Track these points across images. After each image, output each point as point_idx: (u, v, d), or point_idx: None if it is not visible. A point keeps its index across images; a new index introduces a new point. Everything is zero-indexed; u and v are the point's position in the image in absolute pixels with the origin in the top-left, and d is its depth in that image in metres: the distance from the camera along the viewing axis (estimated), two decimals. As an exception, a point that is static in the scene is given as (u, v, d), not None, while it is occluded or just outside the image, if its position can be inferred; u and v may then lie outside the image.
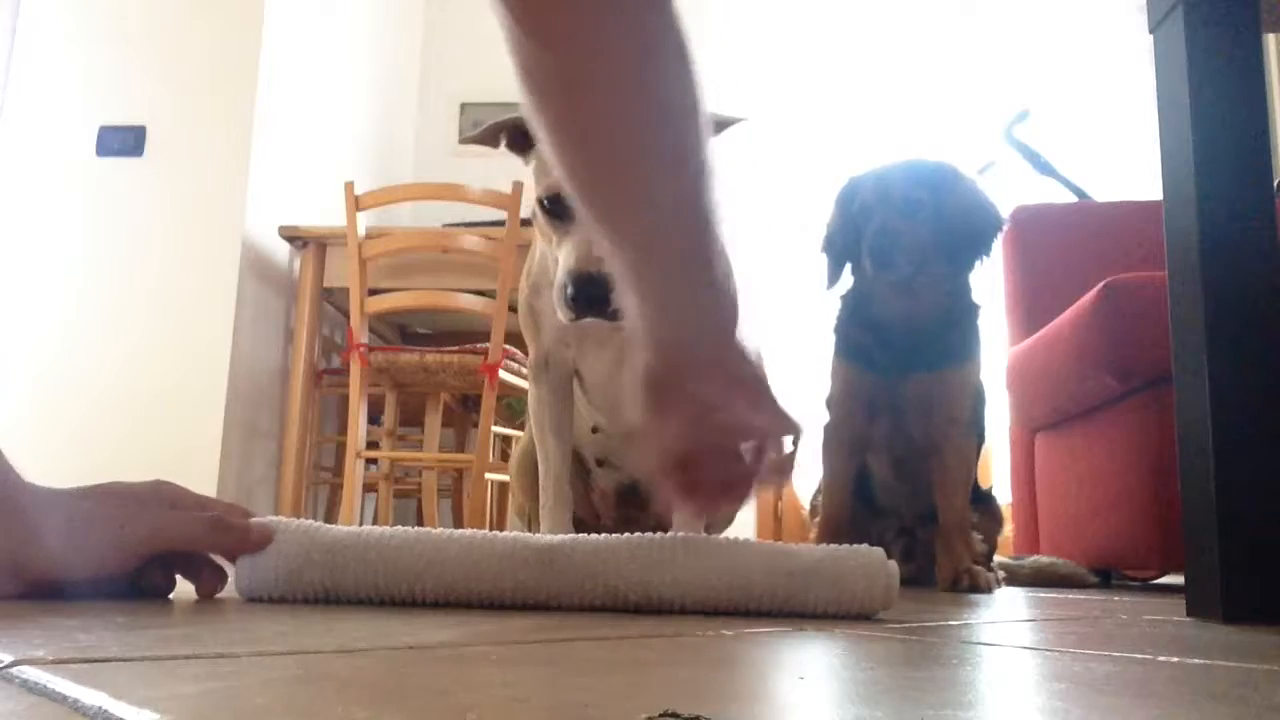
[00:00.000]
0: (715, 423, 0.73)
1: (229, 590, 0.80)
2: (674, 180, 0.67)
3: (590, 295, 1.24)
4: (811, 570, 0.79)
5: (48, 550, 0.66)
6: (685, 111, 0.67)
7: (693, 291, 0.70)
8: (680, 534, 0.81)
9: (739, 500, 0.81)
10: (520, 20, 0.63)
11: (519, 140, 1.40)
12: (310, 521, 0.80)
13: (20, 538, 0.66)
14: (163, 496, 0.74)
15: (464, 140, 1.44)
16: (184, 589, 0.78)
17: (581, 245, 1.26)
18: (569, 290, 1.25)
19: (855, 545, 0.83)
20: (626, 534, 0.81)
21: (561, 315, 1.29)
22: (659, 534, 0.81)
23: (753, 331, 0.73)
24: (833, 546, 0.83)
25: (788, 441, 0.78)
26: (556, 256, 1.32)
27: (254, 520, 0.73)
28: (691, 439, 0.72)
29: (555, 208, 1.31)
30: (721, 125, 1.33)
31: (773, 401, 0.74)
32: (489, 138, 1.41)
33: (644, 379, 0.72)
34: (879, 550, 0.81)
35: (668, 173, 0.67)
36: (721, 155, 0.70)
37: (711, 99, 0.70)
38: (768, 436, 0.75)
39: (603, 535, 0.81)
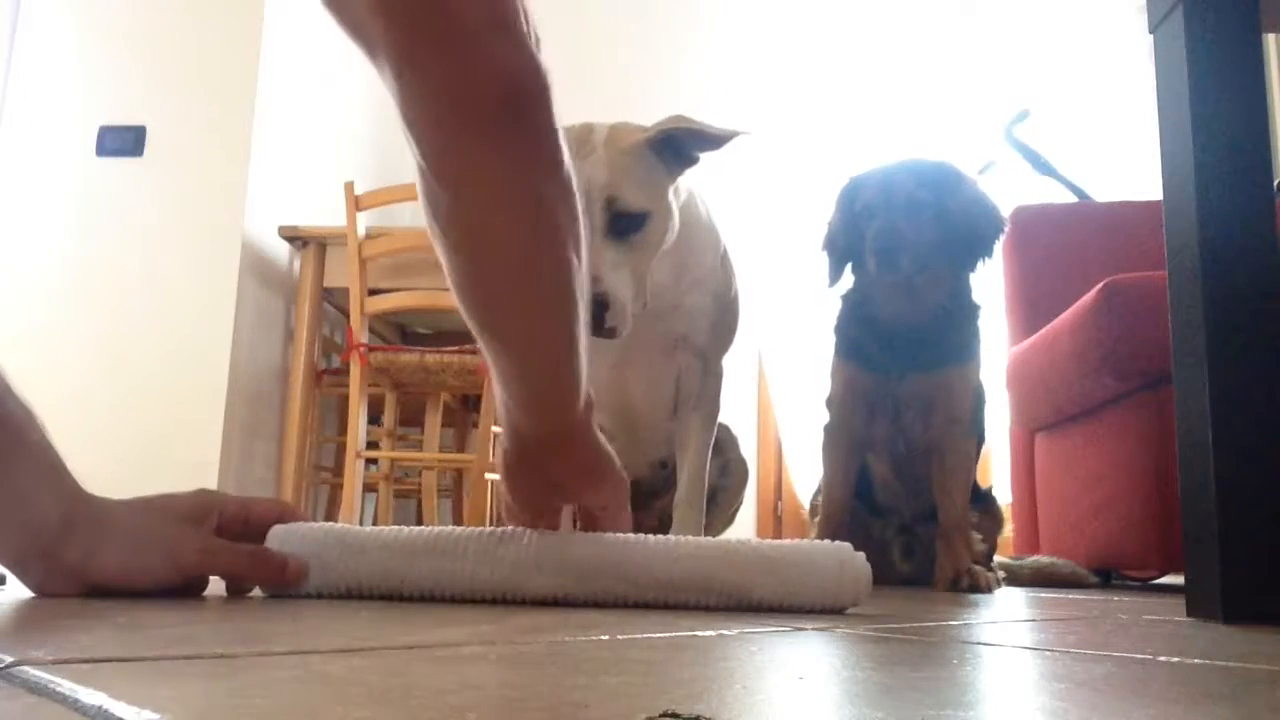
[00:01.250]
0: (561, 497, 0.90)
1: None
2: (547, 313, 0.78)
3: (602, 316, 1.25)
4: (779, 565, 0.80)
5: (108, 562, 0.72)
6: (559, 251, 0.76)
7: (552, 390, 0.81)
8: (646, 535, 0.83)
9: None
10: (428, 161, 0.72)
11: None
12: (334, 524, 0.82)
13: (86, 549, 0.72)
14: (209, 508, 0.79)
15: None
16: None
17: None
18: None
19: (826, 540, 0.85)
20: (600, 534, 0.82)
21: None
22: (626, 534, 0.82)
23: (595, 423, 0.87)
24: (801, 541, 0.85)
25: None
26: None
27: (291, 559, 0.79)
28: (540, 508, 0.87)
29: None
30: (722, 139, 1.33)
31: (610, 479, 0.88)
32: None
33: (504, 463, 0.85)
34: (847, 545, 0.82)
35: (538, 300, 0.77)
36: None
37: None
38: (606, 505, 0.89)
39: (580, 535, 0.83)
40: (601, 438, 0.87)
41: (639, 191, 1.30)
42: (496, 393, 0.83)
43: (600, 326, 1.25)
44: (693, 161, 1.37)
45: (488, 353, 0.81)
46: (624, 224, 1.30)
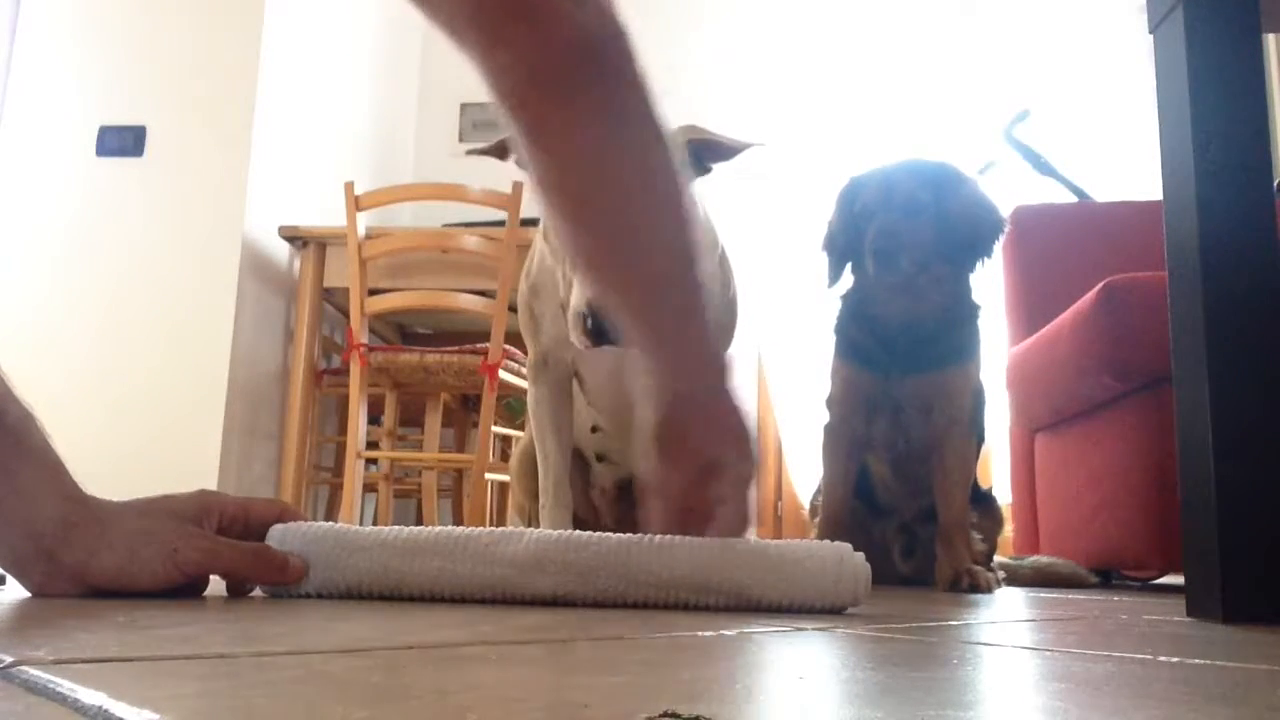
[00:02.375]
0: (712, 475, 0.86)
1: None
2: (668, 256, 0.79)
3: (609, 327, 1.25)
4: (779, 564, 0.80)
5: (109, 564, 0.72)
6: (672, 194, 0.78)
7: (689, 349, 0.83)
8: (646, 535, 0.83)
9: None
10: (536, 140, 0.75)
11: None
12: (334, 524, 0.82)
13: (88, 549, 0.72)
14: (209, 509, 0.79)
15: (471, 152, 1.43)
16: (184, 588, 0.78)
17: None
18: (589, 321, 1.25)
19: (826, 540, 0.85)
20: (592, 533, 0.82)
21: (576, 340, 1.28)
22: (626, 535, 0.82)
23: (740, 380, 0.86)
24: (802, 541, 0.85)
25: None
26: (571, 278, 1.31)
27: (292, 558, 0.79)
28: (694, 493, 0.85)
29: None
30: (735, 150, 1.33)
31: (751, 446, 0.87)
32: (500, 150, 1.40)
33: (656, 443, 0.85)
34: (847, 545, 0.83)
35: (661, 253, 0.79)
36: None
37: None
38: (746, 482, 0.87)
39: (579, 534, 0.82)
40: (741, 400, 0.86)
41: None
42: (641, 367, 0.84)
43: (604, 336, 1.25)
44: (705, 172, 1.37)
45: (628, 319, 0.82)
46: None
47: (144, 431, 2.77)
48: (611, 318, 1.22)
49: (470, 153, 1.44)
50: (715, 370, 0.85)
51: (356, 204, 2.68)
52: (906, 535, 1.71)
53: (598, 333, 1.24)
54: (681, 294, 0.81)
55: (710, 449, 0.85)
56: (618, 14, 0.74)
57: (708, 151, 1.34)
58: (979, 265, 1.56)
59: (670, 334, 0.83)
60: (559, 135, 0.75)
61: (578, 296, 1.27)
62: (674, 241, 0.80)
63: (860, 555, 0.83)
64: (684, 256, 0.80)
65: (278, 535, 0.80)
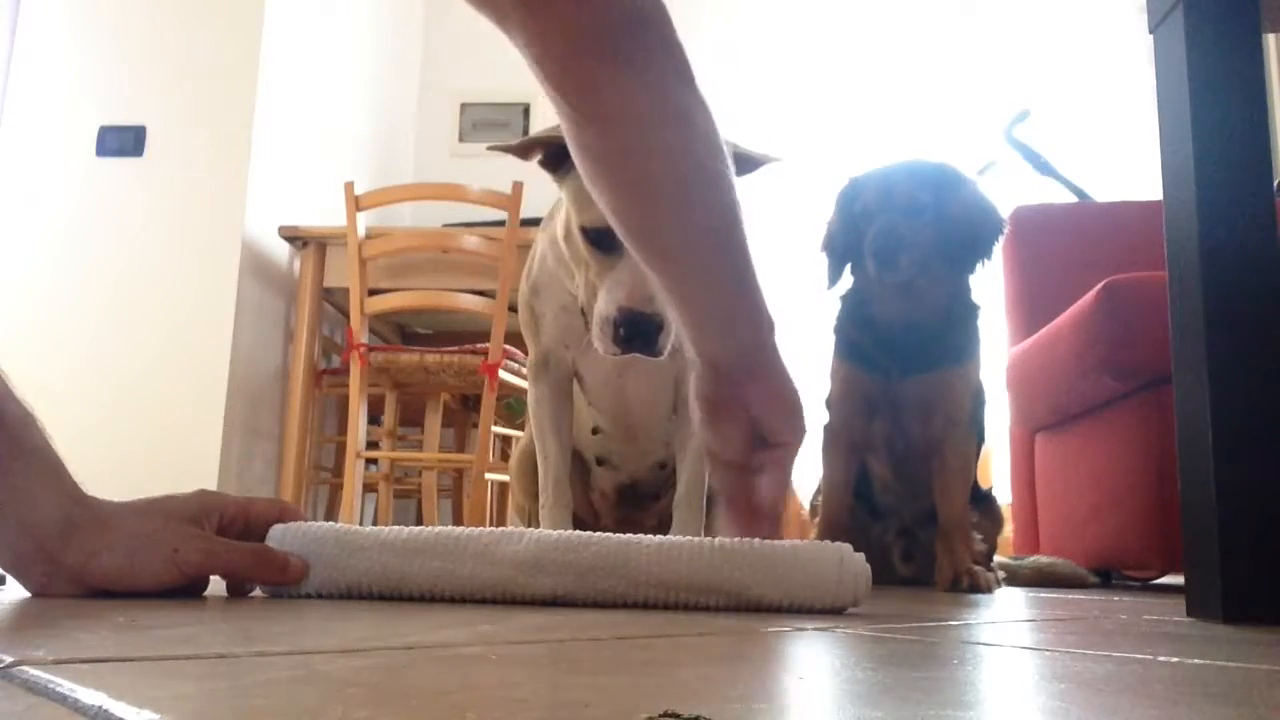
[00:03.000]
0: (760, 434, 0.86)
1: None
2: (711, 219, 0.81)
3: (640, 334, 1.25)
4: (779, 564, 0.80)
5: (109, 564, 0.72)
6: (715, 162, 0.80)
7: (733, 309, 0.84)
8: (646, 535, 0.83)
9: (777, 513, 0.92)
10: (576, 107, 0.76)
11: (554, 158, 1.34)
12: (334, 524, 0.82)
13: (88, 550, 0.72)
14: (209, 509, 0.79)
15: (493, 148, 1.42)
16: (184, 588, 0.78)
17: (631, 283, 1.25)
18: (620, 330, 1.24)
19: (826, 540, 0.85)
20: (592, 534, 0.82)
21: (602, 348, 1.28)
22: (625, 535, 0.82)
23: (782, 345, 0.87)
24: (802, 541, 0.85)
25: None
26: (595, 285, 1.31)
27: (292, 557, 0.79)
28: (746, 450, 0.85)
29: (601, 239, 1.29)
30: (755, 163, 1.33)
31: (801, 413, 0.87)
32: (523, 150, 1.38)
33: (699, 395, 0.85)
34: (847, 545, 0.83)
35: (706, 214, 0.81)
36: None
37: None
38: (794, 443, 0.88)
39: (579, 535, 0.82)
40: (786, 365, 0.87)
41: None
42: (683, 334, 0.85)
43: (654, 347, 1.25)
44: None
45: (669, 287, 0.84)
46: None
47: (144, 431, 2.77)
48: (653, 305, 1.23)
49: (491, 149, 1.43)
50: (768, 335, 0.85)
51: (356, 204, 2.68)
52: (906, 536, 1.71)
53: (635, 341, 1.24)
54: (730, 256, 0.82)
55: (763, 415, 0.85)
56: None
57: (734, 163, 1.34)
58: (979, 266, 1.56)
59: (724, 298, 0.84)
60: (608, 97, 0.76)
61: (605, 303, 1.26)
62: (721, 201, 0.81)
63: (860, 555, 0.83)
64: (731, 216, 0.81)
65: (278, 535, 0.80)
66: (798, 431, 0.87)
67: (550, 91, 0.76)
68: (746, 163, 1.33)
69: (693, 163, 0.79)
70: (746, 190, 0.90)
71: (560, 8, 0.73)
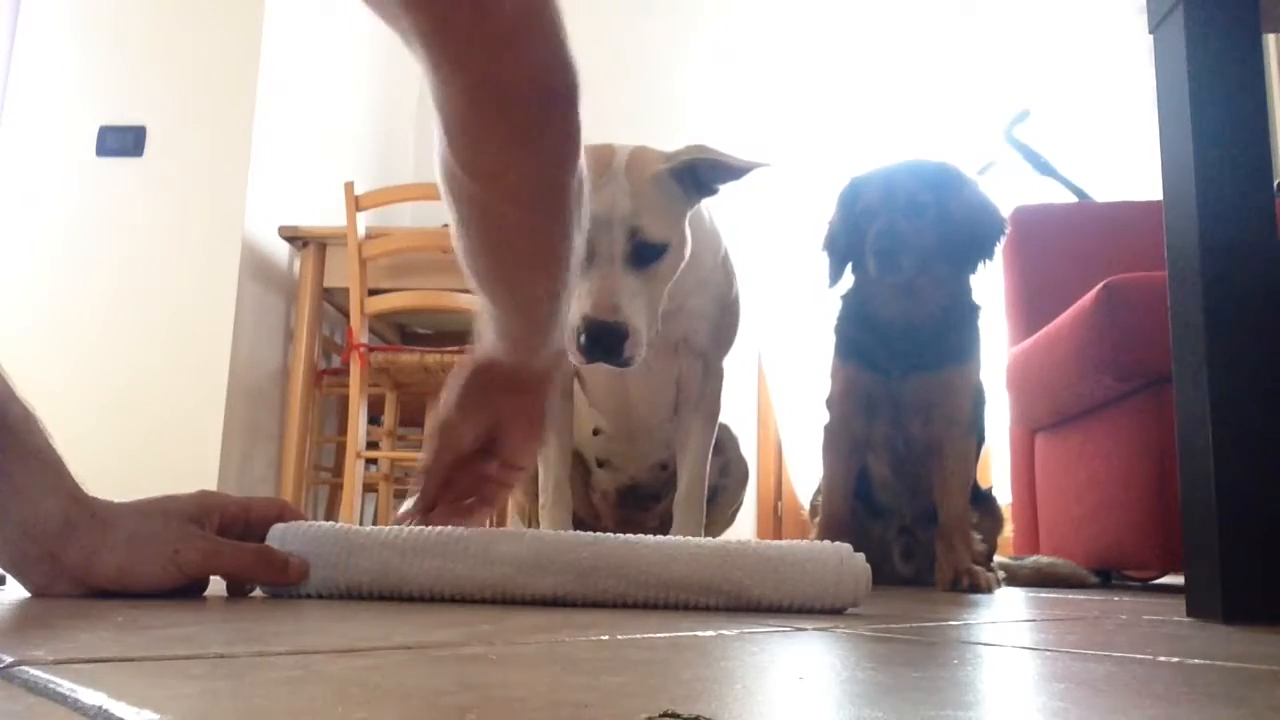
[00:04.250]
0: (490, 446, 0.92)
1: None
2: (547, 278, 0.86)
3: (604, 344, 1.25)
4: (779, 565, 0.80)
5: (110, 564, 0.72)
6: (566, 236, 0.84)
7: (534, 339, 0.90)
8: (646, 536, 0.83)
9: (474, 513, 0.97)
10: (463, 162, 0.77)
11: None
12: (334, 524, 0.82)
13: (89, 550, 0.72)
14: (210, 509, 0.79)
15: None
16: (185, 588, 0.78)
17: (598, 292, 1.26)
18: (582, 337, 1.25)
19: (826, 540, 0.85)
20: (593, 533, 0.82)
21: (572, 356, 1.29)
22: (625, 535, 0.83)
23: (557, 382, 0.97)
24: (802, 542, 0.85)
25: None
26: (569, 300, 1.31)
27: (293, 559, 0.79)
28: (476, 439, 0.91)
29: None
30: (742, 171, 1.33)
31: (540, 444, 0.98)
32: None
33: (472, 373, 0.91)
34: (847, 545, 0.83)
35: (545, 275, 0.86)
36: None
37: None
38: (518, 478, 0.98)
39: (579, 535, 0.82)
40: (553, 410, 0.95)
41: (661, 222, 1.30)
42: (481, 319, 0.91)
43: (619, 356, 1.25)
44: (712, 192, 1.37)
45: (482, 296, 0.89)
46: (645, 254, 1.29)
47: (144, 431, 2.77)
48: (618, 314, 1.27)
49: None
50: (557, 363, 0.93)
51: (356, 204, 2.68)
52: (906, 535, 1.71)
53: (597, 349, 1.25)
54: (545, 302, 0.88)
55: (512, 429, 0.92)
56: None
57: (715, 173, 1.34)
58: (980, 266, 1.56)
59: (519, 325, 0.90)
60: (495, 162, 0.77)
61: (574, 311, 1.27)
62: (559, 264, 0.86)
63: (860, 556, 0.83)
64: (560, 276, 0.87)
65: (278, 535, 0.80)
66: (530, 463, 0.95)
67: (438, 121, 0.76)
68: (733, 172, 1.33)
69: (545, 230, 0.83)
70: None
71: (467, 69, 0.71)
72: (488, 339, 0.91)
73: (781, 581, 0.80)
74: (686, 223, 1.36)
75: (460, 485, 0.94)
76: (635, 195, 1.29)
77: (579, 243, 0.86)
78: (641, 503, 1.71)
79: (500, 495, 0.96)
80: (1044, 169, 2.86)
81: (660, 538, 0.83)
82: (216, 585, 0.80)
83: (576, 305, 1.27)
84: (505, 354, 0.90)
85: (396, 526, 0.83)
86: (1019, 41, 4.20)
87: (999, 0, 4.29)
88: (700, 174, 1.33)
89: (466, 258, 0.86)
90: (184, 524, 0.76)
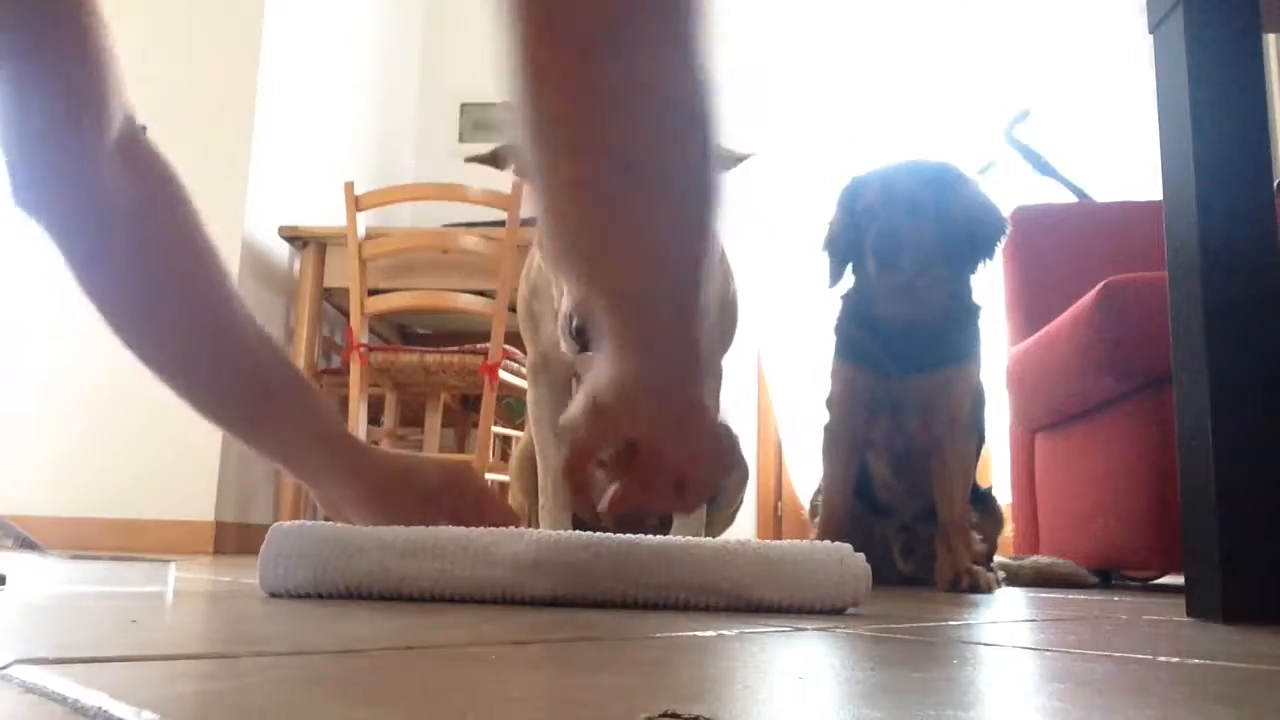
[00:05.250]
0: (642, 461, 0.73)
1: (236, 587, 0.81)
2: (678, 239, 0.66)
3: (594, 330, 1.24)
4: (779, 565, 0.80)
5: (351, 513, 0.91)
6: (699, 160, 0.65)
7: (669, 345, 0.69)
8: (646, 536, 0.82)
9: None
10: (541, 67, 0.60)
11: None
12: (334, 524, 0.82)
13: (341, 496, 0.92)
14: (457, 485, 0.93)
15: (470, 159, 1.43)
16: (185, 588, 0.78)
17: None
18: (574, 322, 1.24)
19: (826, 540, 0.85)
20: (592, 534, 0.82)
21: (564, 346, 1.28)
22: (626, 535, 0.82)
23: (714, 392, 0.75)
24: (802, 542, 0.85)
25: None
26: (561, 285, 1.31)
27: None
28: (617, 468, 0.74)
29: None
30: (734, 160, 1.33)
31: (733, 462, 0.76)
32: (495, 160, 1.40)
33: (593, 401, 0.71)
34: (847, 545, 0.83)
35: (675, 232, 0.66)
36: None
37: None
38: (693, 490, 0.74)
39: (579, 535, 0.82)
40: (728, 429, 0.73)
41: None
42: (606, 337, 0.70)
43: (589, 343, 1.25)
44: None
45: (610, 290, 0.68)
46: None
47: (144, 431, 2.77)
48: (594, 316, 1.15)
49: (469, 160, 1.44)
50: (698, 383, 0.71)
51: (356, 204, 2.68)
52: (906, 535, 1.71)
53: (582, 333, 1.24)
54: (685, 283, 0.67)
55: (651, 438, 0.72)
56: None
57: None
58: (980, 267, 1.56)
59: (663, 331, 0.68)
60: (575, 75, 0.60)
61: (565, 299, 1.27)
62: (695, 217, 0.65)
63: (860, 556, 0.83)
64: (697, 239, 0.66)
65: (278, 535, 0.80)
66: (734, 472, 0.77)
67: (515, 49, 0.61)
68: (731, 162, 1.33)
69: (673, 161, 0.64)
70: (739, 194, 0.79)
71: None
72: (610, 370, 0.70)
73: (781, 581, 0.80)
74: None
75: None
76: None
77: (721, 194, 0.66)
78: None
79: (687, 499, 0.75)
80: (1044, 169, 2.86)
81: (660, 538, 0.83)
82: (217, 586, 0.80)
83: (569, 293, 1.27)
84: (647, 401, 0.70)
85: (396, 527, 0.83)
86: (1019, 41, 4.20)
87: (999, 1, 4.29)
88: None
89: (578, 242, 0.67)
90: (423, 502, 0.89)
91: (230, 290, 0.97)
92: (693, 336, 0.69)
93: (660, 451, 0.72)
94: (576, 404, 0.73)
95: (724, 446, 0.74)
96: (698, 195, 0.65)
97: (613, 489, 0.75)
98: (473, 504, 0.92)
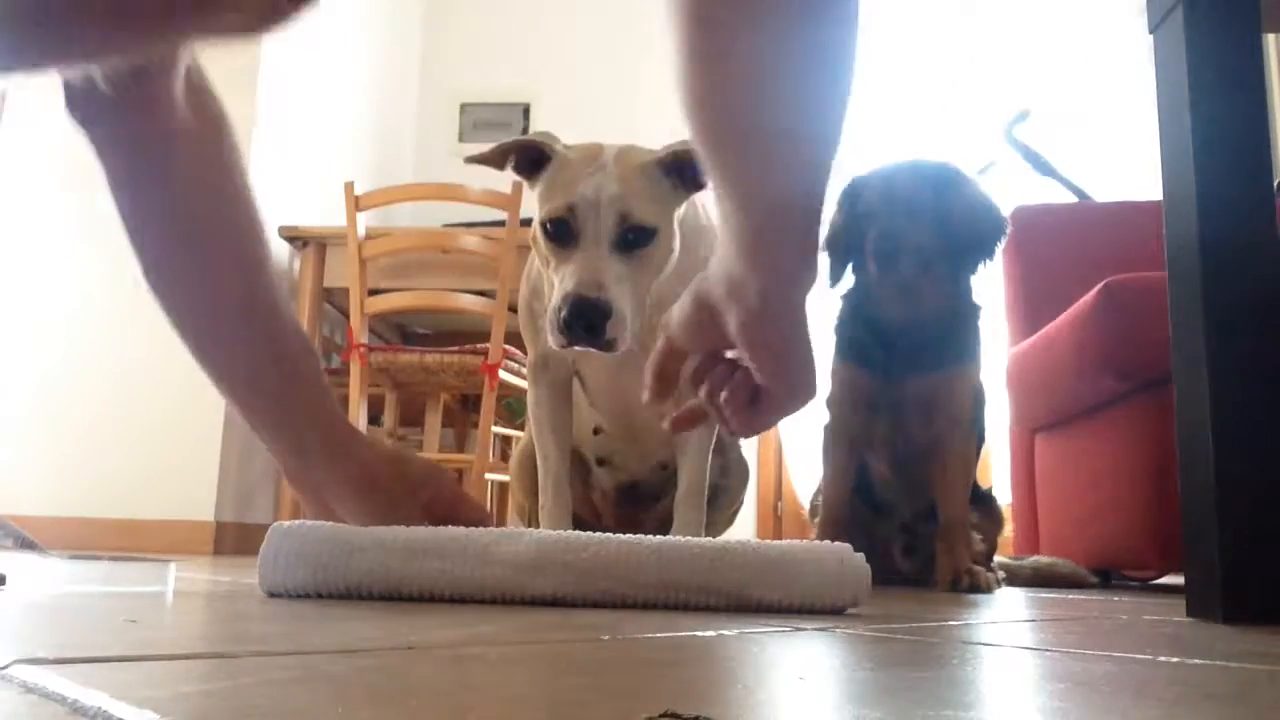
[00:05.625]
0: (726, 370, 0.76)
1: (236, 587, 0.81)
2: (822, 157, 0.72)
3: (586, 321, 1.24)
4: (779, 565, 0.80)
5: (335, 507, 0.89)
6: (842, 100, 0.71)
7: (799, 255, 0.74)
8: (646, 536, 0.83)
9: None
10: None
11: (525, 163, 1.39)
12: (334, 524, 0.82)
13: (323, 488, 0.90)
14: (431, 482, 0.93)
15: (470, 160, 1.44)
16: (185, 588, 0.78)
17: (583, 270, 1.26)
18: (563, 312, 1.24)
19: (826, 540, 0.85)
20: (592, 534, 0.82)
21: (552, 340, 1.28)
22: (626, 536, 0.82)
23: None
24: (802, 542, 0.85)
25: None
26: (553, 281, 1.31)
27: None
28: (699, 375, 0.78)
29: (559, 231, 1.31)
30: None
31: (797, 380, 0.75)
32: (495, 159, 1.40)
33: (702, 301, 0.75)
34: (847, 545, 0.83)
35: (821, 148, 0.72)
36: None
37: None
38: (776, 399, 0.75)
39: (579, 535, 0.82)
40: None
41: (649, 206, 1.31)
42: (730, 254, 0.74)
43: (600, 336, 1.25)
44: (701, 186, 1.38)
45: (750, 213, 0.72)
46: (633, 238, 1.30)
47: (144, 431, 2.77)
48: (601, 291, 1.21)
49: (469, 160, 1.44)
50: (805, 305, 0.74)
51: (356, 204, 2.68)
52: (906, 535, 1.71)
53: (578, 328, 1.24)
54: (817, 207, 0.74)
55: (771, 384, 0.74)
56: None
57: (703, 166, 1.35)
58: (980, 267, 1.56)
59: (796, 241, 0.74)
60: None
61: (556, 293, 1.28)
62: (833, 144, 0.71)
63: (860, 556, 0.83)
64: (828, 172, 0.72)
65: (278, 535, 0.80)
66: (791, 390, 0.75)
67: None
68: None
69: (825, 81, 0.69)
70: None
71: None
72: (727, 275, 0.74)
73: (781, 581, 0.80)
74: (675, 219, 1.37)
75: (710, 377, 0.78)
76: (623, 181, 1.30)
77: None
78: (641, 502, 1.71)
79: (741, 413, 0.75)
80: (1044, 169, 2.86)
81: (660, 538, 0.83)
82: (217, 585, 0.80)
83: (559, 288, 1.27)
84: (761, 299, 0.72)
85: (396, 528, 0.83)
86: (1019, 41, 4.20)
87: (1000, 1, 4.29)
88: (688, 167, 1.35)
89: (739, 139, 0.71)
90: (400, 502, 0.88)
91: (266, 250, 1.00)
92: (814, 254, 0.74)
93: (753, 362, 0.74)
94: (681, 303, 0.77)
95: (811, 377, 0.75)
96: (837, 128, 0.71)
97: (698, 393, 0.78)
98: (450, 501, 0.93)
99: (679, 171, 1.35)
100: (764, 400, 0.75)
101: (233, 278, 0.96)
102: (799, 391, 0.75)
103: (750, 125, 0.70)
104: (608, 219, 1.28)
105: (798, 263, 0.74)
